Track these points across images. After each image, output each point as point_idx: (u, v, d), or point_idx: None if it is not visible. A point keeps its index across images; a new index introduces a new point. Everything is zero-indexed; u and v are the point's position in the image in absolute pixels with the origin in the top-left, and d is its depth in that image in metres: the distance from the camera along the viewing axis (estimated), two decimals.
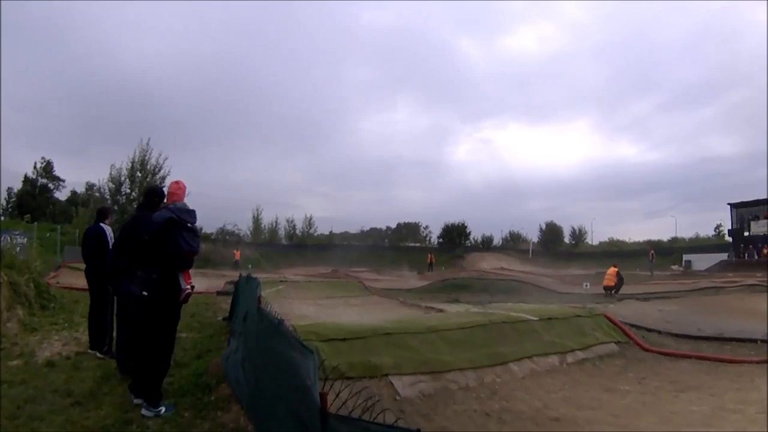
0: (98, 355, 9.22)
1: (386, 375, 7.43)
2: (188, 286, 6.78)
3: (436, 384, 7.71)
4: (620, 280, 26.94)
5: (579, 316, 12.01)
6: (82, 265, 10.27)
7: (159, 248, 6.51)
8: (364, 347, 7.94)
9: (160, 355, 6.64)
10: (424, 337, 8.86)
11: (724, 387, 8.24)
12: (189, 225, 6.71)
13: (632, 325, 12.42)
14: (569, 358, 9.94)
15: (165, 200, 7.07)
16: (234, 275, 25.08)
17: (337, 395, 3.51)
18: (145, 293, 6.47)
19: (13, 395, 6.78)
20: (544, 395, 7.76)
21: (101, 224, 9.89)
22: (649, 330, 12.44)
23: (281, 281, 26.34)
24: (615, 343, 11.21)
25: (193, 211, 6.90)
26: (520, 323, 10.53)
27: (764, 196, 54.87)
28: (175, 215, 6.56)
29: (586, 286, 30.51)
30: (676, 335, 12.16)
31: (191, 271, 7.01)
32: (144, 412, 6.26)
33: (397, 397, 7.01)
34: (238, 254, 54.52)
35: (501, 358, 8.99)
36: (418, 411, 6.67)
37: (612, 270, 27.46)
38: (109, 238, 9.57)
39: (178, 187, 7.09)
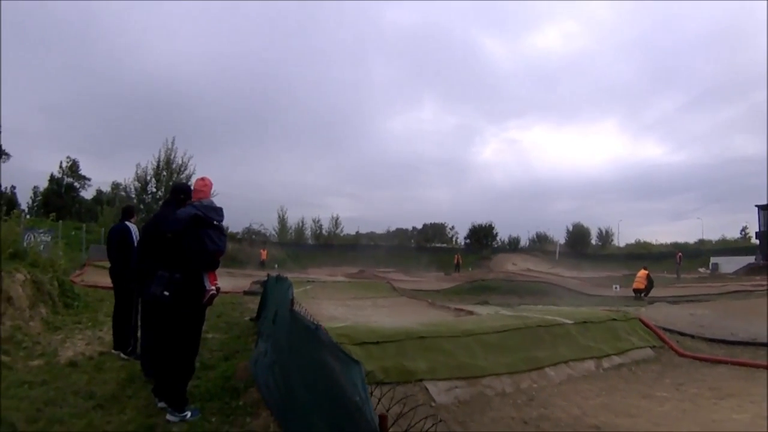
0: (122, 356, 9.21)
1: (421, 380, 7.33)
2: (213, 288, 6.60)
3: (472, 390, 7.60)
4: (650, 283, 26.80)
5: (614, 319, 11.84)
6: (108, 264, 10.28)
7: (182, 247, 6.35)
8: (398, 351, 7.85)
9: (184, 359, 6.52)
10: (459, 341, 8.75)
11: (763, 394, 8.03)
12: (215, 223, 6.54)
13: (665, 329, 12.24)
14: (605, 363, 9.80)
15: (191, 198, 6.88)
16: (261, 275, 25.11)
17: (379, 401, 3.44)
18: (166, 293, 6.30)
19: (33, 396, 6.74)
20: (581, 402, 7.62)
21: (126, 222, 9.92)
22: (682, 334, 12.24)
23: (309, 281, 26.34)
24: (650, 347, 11.05)
25: (220, 209, 6.76)
26: (555, 327, 10.38)
27: None
28: (201, 212, 6.41)
29: (616, 288, 30.37)
30: (711, 340, 11.94)
31: (217, 272, 6.86)
32: (169, 417, 6.18)
33: (433, 404, 6.90)
34: (264, 253, 54.64)
35: (537, 362, 8.88)
36: (455, 418, 6.54)
37: (642, 273, 27.28)
38: (134, 237, 9.55)
39: (204, 184, 6.93)
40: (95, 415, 6.23)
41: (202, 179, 7.03)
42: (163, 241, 6.48)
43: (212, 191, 7.02)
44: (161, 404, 6.44)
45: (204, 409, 6.51)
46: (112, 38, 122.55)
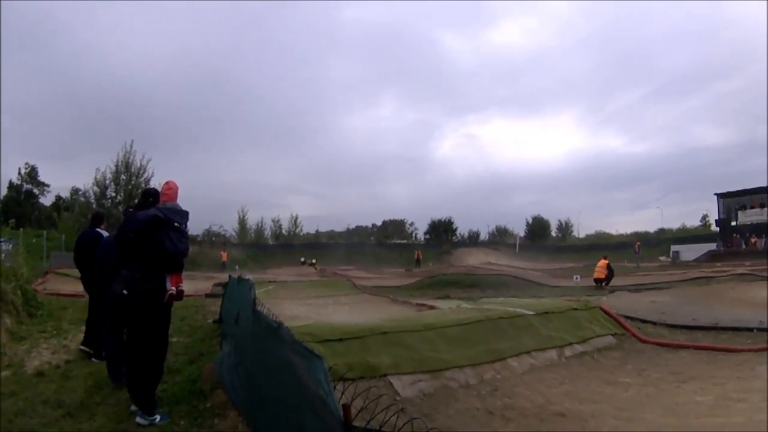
0: (94, 360, 9.11)
1: (385, 375, 7.33)
2: (173, 288, 6.61)
3: (436, 383, 7.62)
4: (610, 272, 27.02)
5: (575, 309, 11.92)
6: (69, 271, 10.23)
7: (142, 247, 6.40)
8: (361, 347, 7.82)
9: (152, 361, 6.49)
10: (422, 335, 8.77)
11: (726, 376, 8.17)
12: (176, 225, 6.56)
13: (627, 317, 12.35)
14: (567, 352, 9.87)
15: (159, 201, 6.90)
16: (222, 277, 24.99)
17: (342, 394, 3.41)
18: (125, 292, 6.35)
19: (3, 408, 6.61)
20: (545, 390, 7.66)
21: (97, 229, 9.90)
22: (643, 321, 12.37)
23: (270, 281, 26.28)
24: (612, 335, 11.16)
25: (185, 212, 6.79)
26: (516, 318, 10.42)
27: (751, 186, 55.23)
28: (162, 214, 6.43)
29: (577, 278, 30.53)
30: (672, 326, 12.08)
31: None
32: (138, 420, 6.14)
33: (397, 398, 6.89)
34: (225, 255, 54.58)
35: (499, 354, 8.91)
36: (420, 411, 6.51)
37: (602, 262, 27.52)
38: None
39: (169, 188, 6.97)
40: (65, 424, 6.21)
41: (167, 183, 7.09)
42: (126, 241, 6.56)
43: (178, 194, 7.04)
44: (133, 407, 6.41)
45: (172, 413, 6.49)
46: (67, 39, 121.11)
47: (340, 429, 2.77)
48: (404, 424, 2.88)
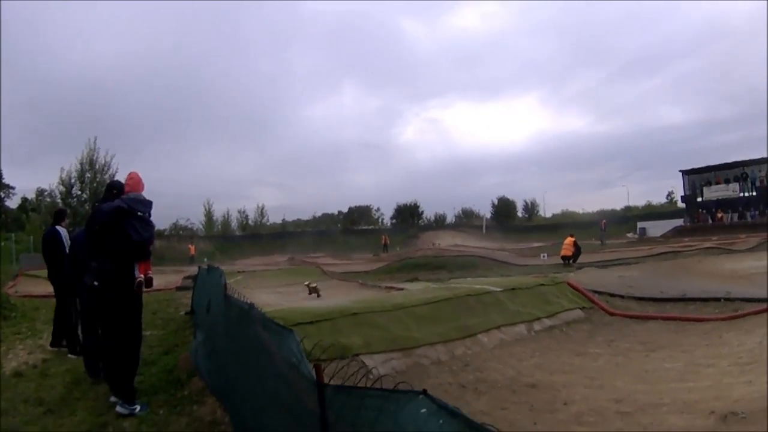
0: (70, 356, 9.14)
1: (357, 355, 7.35)
2: (141, 276, 6.68)
3: (408, 360, 7.71)
4: (578, 249, 27.21)
5: (542, 285, 12.06)
6: (40, 272, 10.24)
7: (109, 238, 6.41)
8: (332, 329, 7.88)
9: (128, 350, 6.51)
10: (391, 314, 8.84)
11: (694, 344, 8.28)
12: (139, 214, 6.57)
13: (595, 291, 12.45)
14: (536, 326, 9.96)
15: (124, 193, 6.88)
16: (191, 270, 24.93)
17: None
18: (96, 283, 6.39)
19: None
20: (516, 363, 7.75)
21: (57, 227, 9.90)
22: (612, 295, 12.50)
23: (239, 272, 26.36)
24: (580, 309, 11.26)
25: (149, 202, 6.80)
26: (484, 295, 10.54)
27: (714, 163, 56.00)
28: (125, 204, 6.44)
29: (544, 257, 30.77)
30: (640, 299, 12.21)
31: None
32: (119, 409, 6.19)
33: (371, 376, 6.92)
34: (193, 249, 54.55)
35: (469, 330, 8.98)
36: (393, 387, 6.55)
37: (569, 240, 27.66)
38: (64, 240, 9.54)
39: (131, 178, 6.98)
40: (48, 420, 6.21)
41: (130, 174, 7.11)
42: (93, 234, 6.59)
43: (142, 184, 7.04)
44: (113, 398, 6.44)
45: (151, 403, 6.54)
46: (26, 39, 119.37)
47: (313, 389, 2.78)
48: (374, 382, 2.90)
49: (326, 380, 2.79)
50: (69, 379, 7.88)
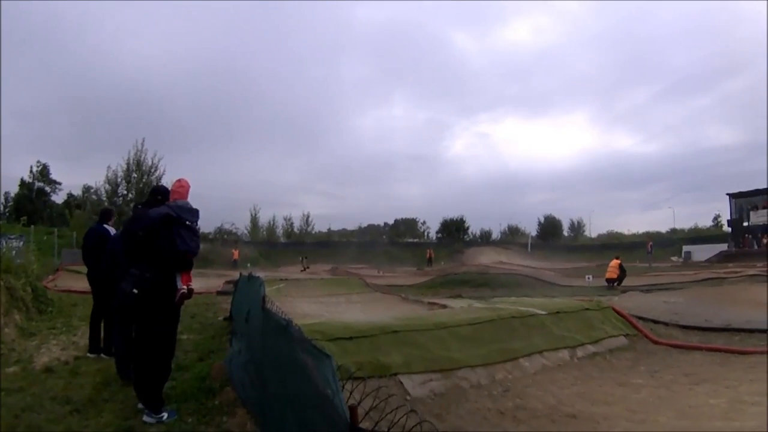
0: (102, 356, 9.15)
1: (395, 374, 7.30)
2: (184, 287, 6.56)
3: (447, 382, 7.59)
4: (623, 272, 26.83)
5: (587, 309, 11.89)
6: (80, 268, 10.19)
7: (153, 246, 6.32)
8: (371, 346, 7.80)
9: (160, 359, 6.45)
10: (433, 334, 8.74)
11: (739, 379, 8.10)
12: (187, 223, 6.49)
13: (639, 317, 12.29)
14: (579, 353, 9.83)
15: (168, 199, 6.84)
16: (233, 274, 25.01)
17: (351, 394, 3.38)
18: (135, 291, 6.25)
19: (10, 403, 6.61)
20: (557, 391, 7.62)
21: (104, 225, 9.86)
22: (656, 322, 12.32)
23: (281, 279, 26.25)
24: (624, 336, 11.10)
25: (195, 210, 6.72)
26: (529, 318, 10.39)
27: (763, 186, 54.80)
28: (173, 212, 6.38)
29: (589, 278, 30.36)
30: (684, 327, 12.01)
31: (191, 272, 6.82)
32: (145, 418, 6.12)
33: (408, 397, 6.86)
34: (236, 253, 54.45)
35: (511, 354, 8.88)
36: (430, 411, 6.48)
37: (614, 262, 27.30)
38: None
39: (180, 185, 6.89)
40: (73, 420, 6.17)
41: (179, 181, 7.02)
42: (135, 239, 6.46)
43: (189, 192, 6.97)
44: (140, 405, 6.37)
45: (180, 410, 6.46)
46: (79, 40, 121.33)
47: (346, 430, 2.73)
48: (414, 426, 2.85)
49: (359, 402, 2.77)
50: (99, 379, 7.87)
